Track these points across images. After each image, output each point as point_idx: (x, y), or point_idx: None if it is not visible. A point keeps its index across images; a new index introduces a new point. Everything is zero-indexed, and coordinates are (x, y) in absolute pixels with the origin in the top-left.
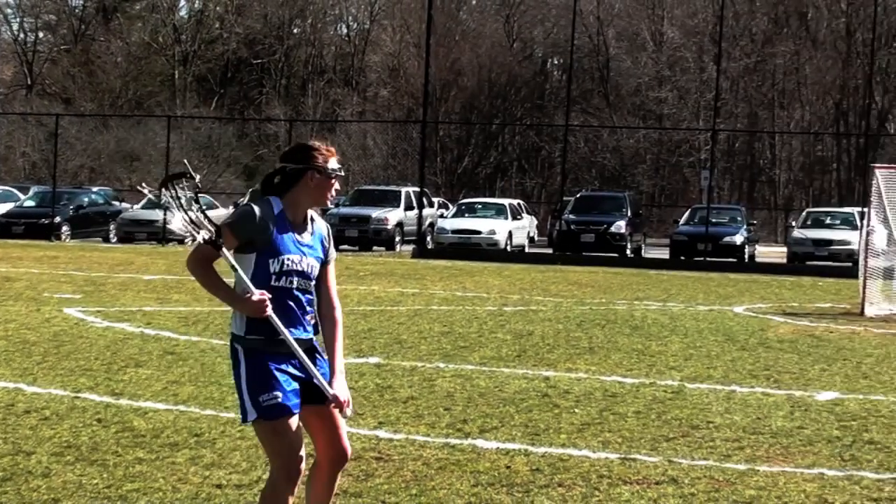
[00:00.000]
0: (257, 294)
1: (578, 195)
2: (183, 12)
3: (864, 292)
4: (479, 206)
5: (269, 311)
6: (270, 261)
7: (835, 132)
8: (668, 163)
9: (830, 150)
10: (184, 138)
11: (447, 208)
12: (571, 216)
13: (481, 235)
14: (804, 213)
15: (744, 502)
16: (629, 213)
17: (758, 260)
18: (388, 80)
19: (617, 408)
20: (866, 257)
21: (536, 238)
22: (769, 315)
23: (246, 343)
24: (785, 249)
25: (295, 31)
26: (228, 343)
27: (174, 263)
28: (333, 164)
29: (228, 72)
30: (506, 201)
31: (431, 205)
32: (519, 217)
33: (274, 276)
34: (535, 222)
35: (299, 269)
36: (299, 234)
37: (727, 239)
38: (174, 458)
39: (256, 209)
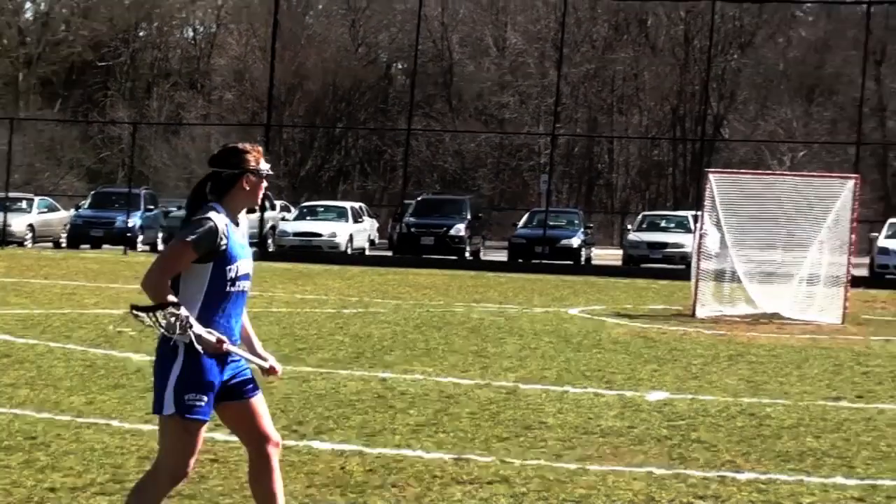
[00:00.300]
0: (215, 336)
1: (419, 198)
2: (28, 14)
3: (695, 294)
4: (321, 209)
5: (227, 346)
6: (228, 268)
7: (671, 137)
8: (509, 167)
9: (667, 155)
10: (26, 140)
11: (289, 211)
12: (412, 219)
13: (322, 238)
14: (640, 217)
15: (574, 501)
16: (469, 217)
17: (594, 262)
18: (234, 84)
19: (452, 409)
20: (699, 260)
21: (377, 241)
22: (603, 317)
23: (197, 346)
24: (621, 252)
25: (141, 34)
26: (162, 340)
27: (13, 267)
28: (264, 164)
29: (73, 74)
30: (347, 204)
31: (273, 207)
32: (360, 220)
33: (230, 283)
34: (377, 225)
35: (247, 271)
36: (240, 236)
37: (564, 242)
38: (7, 462)
39: (215, 221)
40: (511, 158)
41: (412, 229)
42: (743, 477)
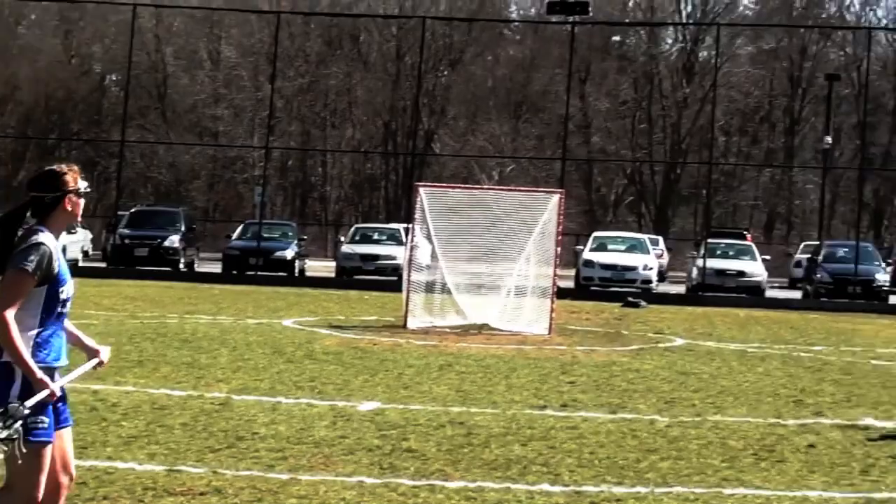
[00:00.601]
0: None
1: (133, 210)
2: None
3: (407, 306)
4: None
5: (53, 387)
6: (60, 290)
7: (383, 151)
8: (223, 178)
9: (379, 169)
10: None
11: None
12: (126, 231)
13: None
14: (353, 229)
15: None
16: (183, 228)
17: (308, 274)
18: None
19: (164, 420)
20: (410, 272)
21: (91, 252)
22: (316, 328)
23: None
24: (334, 264)
25: None
26: None
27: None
28: (82, 183)
29: None
30: None
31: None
32: (74, 231)
33: (61, 304)
34: (90, 236)
35: (73, 290)
36: (63, 256)
37: (278, 254)
38: None
39: (47, 244)
40: (226, 170)
41: (126, 241)
42: (452, 485)
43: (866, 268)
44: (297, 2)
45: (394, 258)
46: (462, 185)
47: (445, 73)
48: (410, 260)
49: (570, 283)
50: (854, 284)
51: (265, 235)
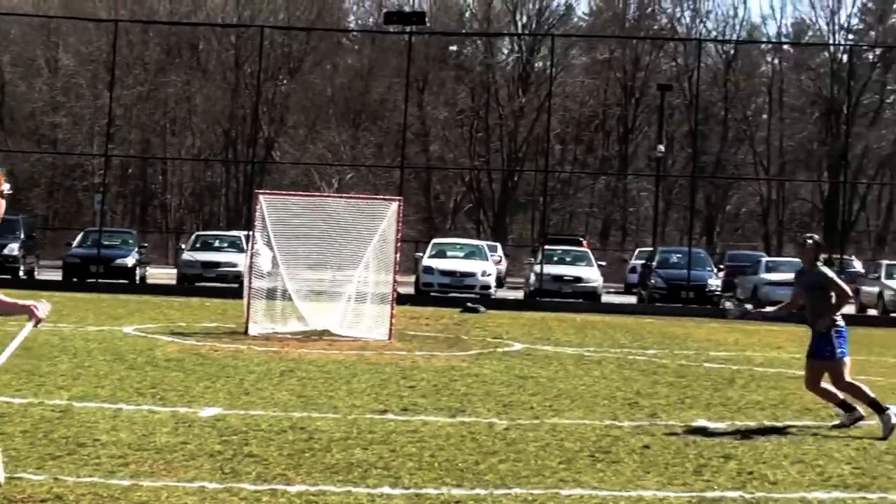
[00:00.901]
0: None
1: None
2: None
3: (248, 312)
4: None
5: None
6: None
7: (224, 159)
8: (63, 186)
9: (220, 177)
10: None
11: None
12: None
13: None
14: (194, 237)
15: None
16: (23, 236)
17: (149, 282)
18: None
19: (4, 428)
20: (251, 279)
21: None
22: (158, 335)
23: None
24: (175, 271)
25: None
26: None
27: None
28: (6, 185)
29: None
30: None
31: None
32: None
33: None
34: None
35: None
36: None
37: (119, 261)
38: None
39: None
40: (65, 178)
41: None
42: (294, 489)
43: (699, 273)
44: (136, 10)
45: (235, 265)
46: (302, 193)
47: (285, 81)
48: (251, 267)
49: (411, 290)
50: (687, 289)
51: (106, 243)
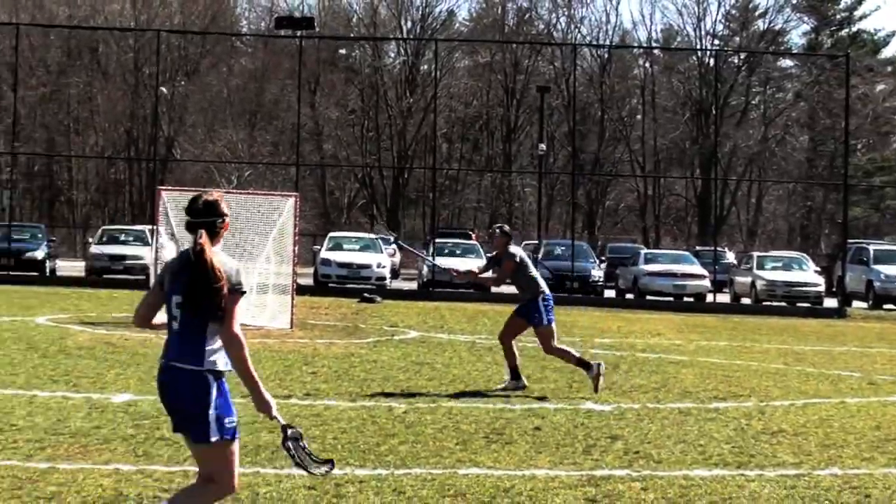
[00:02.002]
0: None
1: None
2: None
3: None
4: None
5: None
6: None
7: (127, 157)
8: None
9: (124, 174)
10: None
11: None
12: None
13: None
14: (100, 231)
15: (45, 498)
16: None
17: (59, 274)
18: None
19: None
20: (157, 270)
21: None
22: (69, 325)
23: (223, 376)
24: (84, 264)
25: None
26: (192, 372)
27: None
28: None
29: None
30: None
31: None
32: None
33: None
34: None
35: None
36: None
37: (29, 254)
38: None
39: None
40: None
41: None
42: None
43: (582, 265)
44: (36, 14)
45: (141, 258)
46: (202, 189)
47: (182, 82)
48: (157, 259)
49: (310, 281)
50: (572, 280)
51: (15, 237)
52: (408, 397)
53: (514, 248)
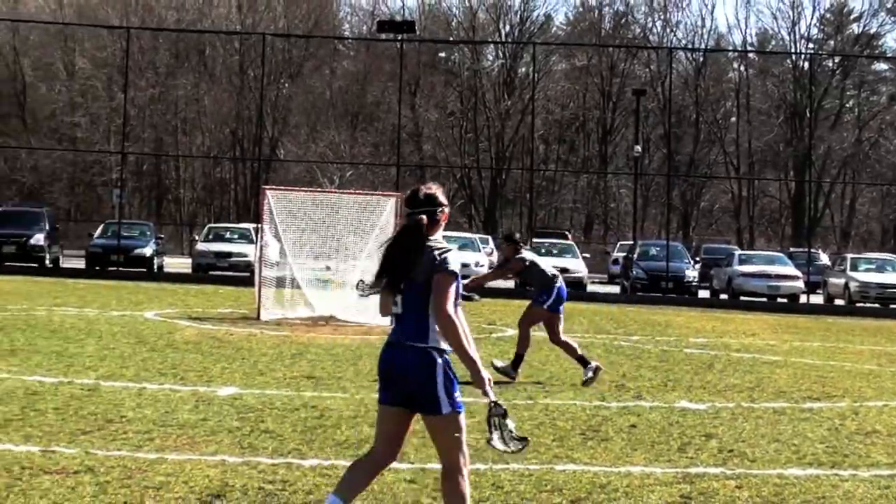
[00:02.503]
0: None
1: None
2: None
3: (259, 299)
4: None
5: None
6: (459, 283)
7: (232, 157)
8: (83, 181)
9: (229, 173)
10: None
11: None
12: None
13: None
14: (206, 229)
15: (154, 487)
16: (48, 227)
17: (166, 270)
18: None
19: (38, 405)
20: (261, 268)
21: None
22: (176, 319)
23: (446, 354)
24: (190, 261)
25: None
26: (419, 349)
27: None
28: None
29: None
30: None
31: None
32: None
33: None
34: None
35: None
36: None
37: (138, 251)
38: None
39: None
40: (85, 174)
41: None
42: (307, 463)
43: (677, 265)
44: (146, 18)
45: (245, 255)
46: (306, 189)
47: (286, 85)
48: (261, 257)
49: None
50: (666, 280)
51: (125, 234)
52: (505, 394)
53: (525, 253)
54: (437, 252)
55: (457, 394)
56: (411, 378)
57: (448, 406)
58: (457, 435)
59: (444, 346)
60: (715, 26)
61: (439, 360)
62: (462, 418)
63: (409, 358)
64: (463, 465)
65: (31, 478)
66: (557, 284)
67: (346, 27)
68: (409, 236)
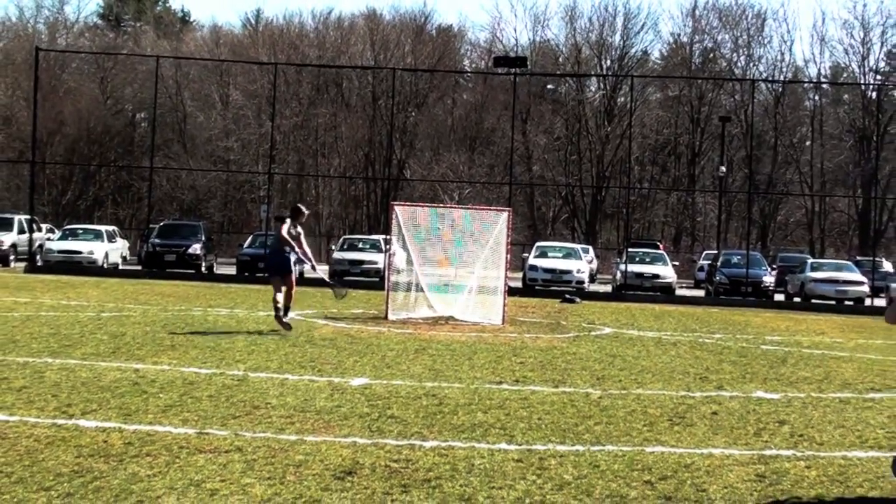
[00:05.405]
0: None
1: (162, 223)
2: None
3: (388, 301)
4: (81, 231)
5: None
6: None
7: (365, 177)
8: (235, 198)
9: (362, 191)
10: None
11: (54, 232)
12: (157, 240)
13: (82, 255)
14: (342, 240)
15: (294, 465)
16: (203, 238)
17: (306, 276)
18: (2, 127)
19: (194, 392)
20: (389, 274)
21: (129, 257)
22: (314, 319)
23: None
24: (327, 267)
25: None
26: None
27: None
28: None
29: None
30: (102, 227)
31: (40, 229)
32: (114, 240)
33: None
34: (128, 245)
35: None
36: None
37: None
38: None
39: None
40: (236, 192)
41: (157, 248)
42: (428, 444)
43: (756, 272)
44: (291, 54)
45: (376, 263)
46: (429, 204)
47: (413, 113)
48: (390, 265)
49: (519, 284)
50: (746, 285)
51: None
52: (602, 384)
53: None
54: None
55: None
56: None
57: None
58: None
59: None
60: (793, 60)
61: None
62: None
63: None
64: None
65: (188, 456)
66: None
67: (465, 62)
68: None
